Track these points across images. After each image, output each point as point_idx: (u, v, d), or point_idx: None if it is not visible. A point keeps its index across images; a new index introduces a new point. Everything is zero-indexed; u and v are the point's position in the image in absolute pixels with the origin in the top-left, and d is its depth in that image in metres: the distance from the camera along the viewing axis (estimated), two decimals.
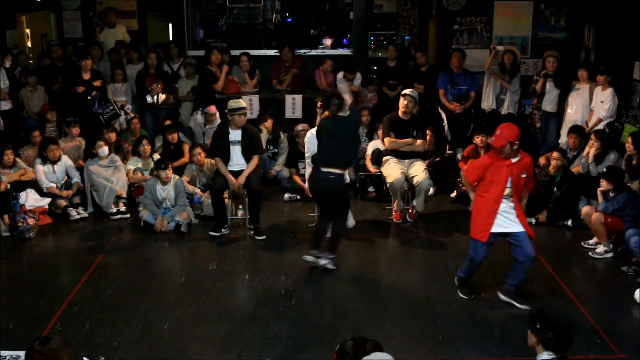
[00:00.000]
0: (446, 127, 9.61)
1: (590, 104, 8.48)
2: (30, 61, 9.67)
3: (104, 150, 8.03)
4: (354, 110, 6.48)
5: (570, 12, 10.14)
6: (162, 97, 9.54)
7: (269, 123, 9.00)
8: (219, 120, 8.99)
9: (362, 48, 11.24)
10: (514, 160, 5.44)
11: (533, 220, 7.42)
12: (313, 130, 7.48)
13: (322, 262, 6.34)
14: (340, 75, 10.05)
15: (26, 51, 10.62)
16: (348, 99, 6.72)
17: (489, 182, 5.49)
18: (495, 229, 5.54)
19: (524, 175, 5.51)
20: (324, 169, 6.26)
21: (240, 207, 7.72)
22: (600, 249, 6.69)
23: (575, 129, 8.11)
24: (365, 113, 9.52)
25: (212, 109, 8.98)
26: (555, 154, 7.69)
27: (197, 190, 8.00)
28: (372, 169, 8.45)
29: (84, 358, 4.06)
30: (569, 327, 3.48)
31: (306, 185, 7.98)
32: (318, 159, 6.38)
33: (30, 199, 7.71)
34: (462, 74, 9.47)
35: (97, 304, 5.77)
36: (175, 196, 7.55)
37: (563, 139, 8.57)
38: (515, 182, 5.47)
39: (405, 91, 7.72)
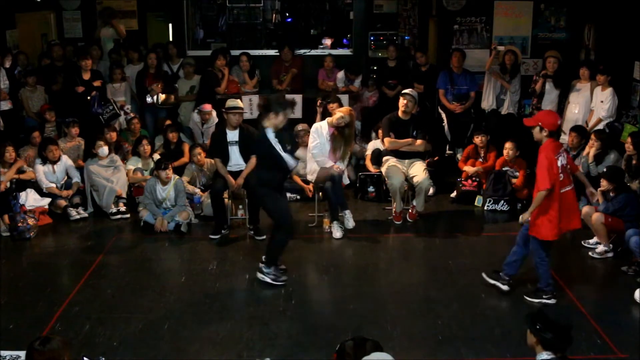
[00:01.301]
0: (446, 127, 9.61)
1: (592, 103, 8.49)
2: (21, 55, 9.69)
3: (104, 150, 8.04)
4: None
5: (570, 12, 10.13)
6: (162, 97, 9.53)
7: None
8: (215, 119, 9.00)
9: (362, 48, 11.24)
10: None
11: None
12: (321, 123, 7.50)
13: (258, 275, 6.12)
14: (341, 74, 10.06)
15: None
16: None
17: None
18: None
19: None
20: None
21: (240, 207, 7.72)
22: (600, 249, 6.69)
23: (576, 128, 8.12)
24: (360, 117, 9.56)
25: (207, 107, 8.99)
26: None
27: (197, 190, 8.00)
28: (372, 169, 8.45)
29: (84, 358, 4.06)
30: (568, 327, 3.48)
31: (306, 185, 8.03)
32: None
33: (30, 199, 7.71)
34: (462, 74, 9.47)
35: (97, 304, 5.77)
36: (175, 196, 7.55)
37: (564, 138, 8.57)
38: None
39: (405, 91, 7.72)
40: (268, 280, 6.05)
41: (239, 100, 7.53)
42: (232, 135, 7.27)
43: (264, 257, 6.17)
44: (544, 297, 5.72)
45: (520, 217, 5.73)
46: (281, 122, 5.83)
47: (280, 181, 6.05)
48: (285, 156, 5.80)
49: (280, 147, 5.79)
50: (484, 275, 6.00)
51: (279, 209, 6.02)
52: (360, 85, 10.01)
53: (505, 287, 5.86)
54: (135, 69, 9.88)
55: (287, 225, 6.10)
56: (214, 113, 9.04)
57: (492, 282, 5.94)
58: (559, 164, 5.48)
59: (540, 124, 5.45)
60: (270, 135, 5.80)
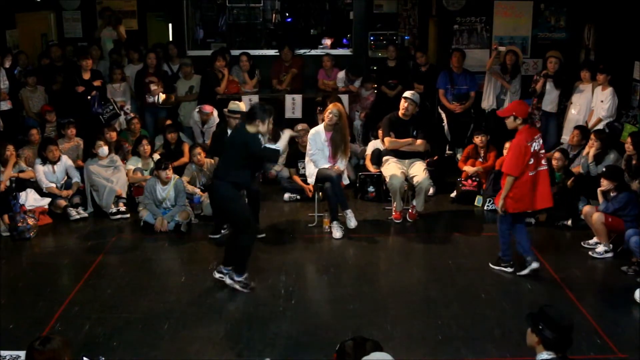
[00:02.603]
0: (446, 127, 9.61)
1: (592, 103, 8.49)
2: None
3: (104, 150, 8.03)
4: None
5: (570, 12, 10.14)
6: (162, 97, 9.53)
7: None
8: (216, 119, 8.99)
9: (362, 48, 11.24)
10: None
11: (533, 220, 7.42)
12: (318, 128, 7.50)
13: (227, 281, 5.95)
14: (341, 73, 10.06)
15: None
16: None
17: None
18: None
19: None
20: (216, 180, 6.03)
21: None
22: (600, 248, 6.69)
23: (580, 127, 8.14)
24: (362, 115, 9.56)
25: (207, 108, 8.99)
26: (556, 155, 7.71)
27: (197, 190, 8.00)
28: (372, 169, 8.45)
29: (84, 358, 4.05)
30: (570, 327, 3.48)
31: (306, 185, 8.03)
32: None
33: (30, 199, 7.71)
34: (462, 74, 9.47)
35: (97, 304, 5.77)
36: (175, 196, 7.55)
37: (565, 138, 8.58)
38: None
39: (406, 94, 7.69)
40: (237, 287, 5.90)
41: (241, 103, 7.51)
42: None
43: (226, 263, 5.98)
44: (502, 264, 6.33)
45: (499, 208, 6.21)
46: (265, 131, 5.83)
47: (250, 184, 6.18)
48: (273, 146, 5.83)
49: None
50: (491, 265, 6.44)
51: (245, 214, 5.96)
52: (360, 85, 10.01)
53: (509, 269, 6.31)
54: (135, 69, 9.89)
55: (253, 230, 6.09)
56: (215, 113, 9.04)
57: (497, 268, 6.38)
58: (532, 149, 5.91)
59: (514, 113, 5.92)
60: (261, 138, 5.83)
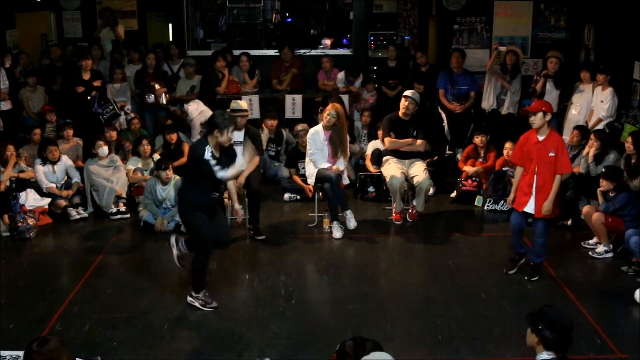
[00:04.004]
0: (446, 127, 9.61)
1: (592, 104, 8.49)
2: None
3: (104, 150, 8.04)
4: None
5: (570, 12, 10.14)
6: (166, 97, 9.53)
7: (273, 122, 9.02)
8: (195, 114, 9.05)
9: (362, 48, 11.25)
10: (541, 138, 5.91)
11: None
12: (316, 127, 7.51)
13: (188, 299, 5.68)
14: (341, 74, 10.06)
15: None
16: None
17: (527, 159, 6.03)
18: (527, 207, 6.03)
19: (552, 154, 5.85)
20: None
21: (241, 207, 7.70)
22: (600, 248, 6.69)
23: (580, 127, 8.14)
24: (366, 114, 9.56)
25: (172, 108, 9.22)
26: None
27: None
28: (372, 169, 8.45)
29: (77, 359, 4.05)
30: (570, 327, 3.48)
31: (306, 185, 8.02)
32: None
33: (30, 199, 7.71)
34: (462, 74, 9.47)
35: (97, 304, 5.77)
36: (175, 196, 7.55)
37: (565, 138, 8.56)
38: (543, 160, 5.87)
39: (407, 93, 7.69)
40: (197, 305, 5.64)
41: (242, 101, 7.50)
42: (238, 135, 7.22)
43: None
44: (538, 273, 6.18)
45: (546, 210, 5.96)
46: (225, 141, 5.32)
47: (211, 199, 5.52)
48: (218, 170, 5.24)
49: (214, 163, 5.26)
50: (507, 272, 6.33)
51: (200, 233, 5.49)
52: (360, 85, 10.01)
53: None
54: (135, 69, 9.89)
55: (205, 250, 5.56)
56: (190, 108, 9.06)
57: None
58: None
59: (543, 109, 5.89)
60: (208, 154, 5.26)
